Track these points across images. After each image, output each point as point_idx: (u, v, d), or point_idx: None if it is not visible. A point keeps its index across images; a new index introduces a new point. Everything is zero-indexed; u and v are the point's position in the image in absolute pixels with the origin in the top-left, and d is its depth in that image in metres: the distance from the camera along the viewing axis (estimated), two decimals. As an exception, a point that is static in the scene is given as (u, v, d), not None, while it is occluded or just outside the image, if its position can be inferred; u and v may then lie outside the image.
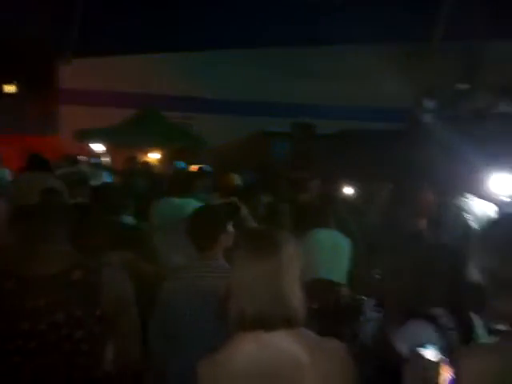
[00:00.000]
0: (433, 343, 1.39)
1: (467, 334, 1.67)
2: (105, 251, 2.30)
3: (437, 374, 1.32)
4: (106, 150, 10.22)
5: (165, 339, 2.13)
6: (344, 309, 2.59)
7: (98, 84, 11.11)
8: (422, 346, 1.36)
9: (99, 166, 7.68)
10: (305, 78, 11.50)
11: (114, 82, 11.18)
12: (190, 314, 2.08)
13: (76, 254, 1.74)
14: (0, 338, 1.65)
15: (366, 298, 2.80)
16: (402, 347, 1.60)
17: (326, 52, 10.42)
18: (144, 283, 2.18)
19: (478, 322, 1.71)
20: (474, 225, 3.76)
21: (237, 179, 4.76)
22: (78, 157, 7.44)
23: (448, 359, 1.34)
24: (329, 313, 2.53)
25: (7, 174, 5.96)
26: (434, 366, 1.33)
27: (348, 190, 5.58)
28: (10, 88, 12.46)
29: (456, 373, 1.17)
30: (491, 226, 1.30)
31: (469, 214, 3.82)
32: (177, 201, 3.74)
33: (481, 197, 3.89)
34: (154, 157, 10.47)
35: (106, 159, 9.39)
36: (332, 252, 3.31)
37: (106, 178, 6.13)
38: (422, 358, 1.34)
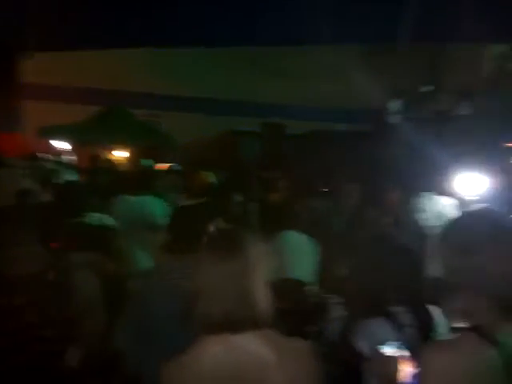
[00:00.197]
0: (392, 341, 1.41)
1: (426, 331, 1.70)
2: (69, 252, 2.25)
3: (397, 370, 1.35)
4: (70, 147, 9.96)
5: (141, 340, 2.09)
6: (311, 308, 2.61)
7: (62, 80, 10.81)
8: (383, 343, 1.38)
9: (63, 164, 7.47)
10: (274, 78, 11.56)
11: (80, 78, 10.91)
12: (171, 315, 2.04)
13: (47, 255, 1.77)
14: None
15: (332, 297, 2.83)
16: (362, 345, 1.62)
17: (296, 52, 10.50)
18: (108, 284, 2.13)
19: (439, 319, 1.76)
20: (432, 223, 3.87)
21: (207, 178, 4.73)
22: (41, 154, 7.20)
23: (408, 356, 1.37)
24: (295, 312, 2.54)
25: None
26: (394, 363, 1.35)
27: (318, 190, 5.63)
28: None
29: (419, 369, 1.19)
30: (451, 224, 1.32)
31: (429, 212, 3.93)
32: (133, 199, 3.70)
33: (445, 196, 4.00)
34: (120, 155, 10.27)
35: (70, 157, 9.14)
36: (298, 252, 3.32)
37: (70, 176, 5.97)
38: (382, 355, 1.36)
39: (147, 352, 1.99)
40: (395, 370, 1.33)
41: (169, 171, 5.81)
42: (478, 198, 3.46)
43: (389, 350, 1.36)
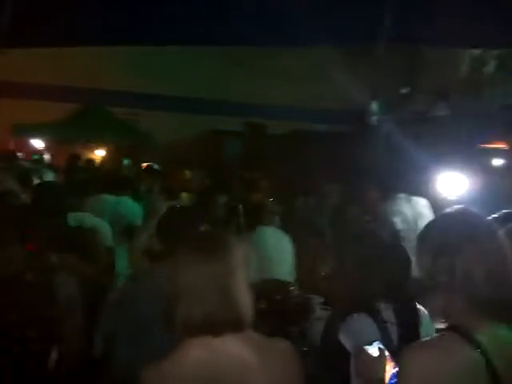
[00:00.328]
0: (377, 340, 1.42)
1: (411, 329, 1.72)
2: (47, 253, 2.21)
3: (382, 370, 1.36)
4: (46, 146, 9.76)
5: (129, 342, 2.06)
6: (293, 308, 2.62)
7: (37, 77, 10.58)
8: (367, 343, 1.39)
9: (41, 163, 7.32)
10: (256, 78, 11.56)
11: (57, 75, 10.69)
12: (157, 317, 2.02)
13: (27, 256, 1.77)
14: None
15: (314, 297, 2.85)
16: (346, 342, 1.63)
17: (276, 53, 10.53)
18: (86, 286, 2.10)
19: (424, 317, 1.78)
20: (411, 224, 3.91)
21: (187, 177, 4.70)
22: (17, 153, 7.04)
23: (388, 355, 1.38)
24: (277, 312, 2.54)
25: None
26: (379, 363, 1.36)
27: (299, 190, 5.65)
28: None
29: (400, 371, 1.20)
30: (429, 225, 1.33)
31: (407, 213, 3.97)
32: (109, 199, 3.66)
33: (424, 196, 4.05)
34: (99, 154, 10.12)
35: (46, 156, 8.97)
36: (277, 251, 3.32)
37: (48, 175, 5.85)
38: (367, 355, 1.37)
39: (135, 354, 1.97)
40: (380, 370, 1.34)
41: (148, 171, 5.73)
42: (455, 198, 3.52)
43: (374, 350, 1.37)
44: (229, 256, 1.33)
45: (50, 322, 1.70)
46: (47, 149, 9.66)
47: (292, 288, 2.79)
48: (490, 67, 9.00)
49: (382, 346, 1.38)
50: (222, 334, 1.28)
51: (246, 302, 1.32)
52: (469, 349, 1.13)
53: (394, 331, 1.67)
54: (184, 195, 4.32)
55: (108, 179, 3.96)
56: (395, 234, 3.65)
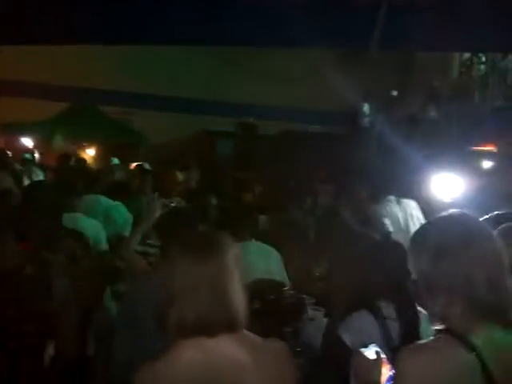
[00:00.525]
0: (375, 341, 1.42)
1: (411, 327, 1.73)
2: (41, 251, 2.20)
3: (378, 373, 1.36)
4: (35, 145, 9.66)
5: (128, 341, 2.05)
6: (286, 308, 2.62)
7: (30, 75, 10.47)
8: (364, 345, 1.39)
9: (32, 163, 7.24)
10: (248, 78, 11.56)
11: (49, 74, 10.59)
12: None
13: (25, 252, 1.81)
14: None
15: (306, 297, 2.85)
16: (348, 340, 1.64)
17: (270, 54, 10.53)
18: (78, 286, 2.09)
19: (423, 317, 1.78)
20: (395, 227, 3.91)
21: (179, 177, 4.67)
22: (8, 152, 6.95)
23: (388, 357, 1.38)
24: (271, 313, 2.54)
25: None
26: (375, 366, 1.36)
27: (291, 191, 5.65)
28: None
29: (396, 373, 1.20)
30: (425, 228, 1.33)
31: (392, 215, 3.97)
32: (101, 199, 3.66)
33: (416, 198, 4.07)
34: (89, 153, 10.04)
35: (36, 155, 8.87)
36: (266, 251, 3.30)
37: (37, 174, 5.80)
38: (363, 358, 1.37)
39: (132, 355, 1.95)
40: (376, 373, 1.34)
41: (138, 170, 5.69)
42: (448, 200, 3.54)
43: (371, 353, 1.37)
44: (222, 256, 1.32)
45: (47, 317, 1.72)
46: (36, 147, 9.56)
47: (285, 288, 2.79)
48: (481, 70, 9.09)
49: (378, 349, 1.38)
50: (215, 335, 1.28)
51: (239, 302, 1.31)
52: (464, 352, 1.13)
53: (394, 328, 1.68)
54: (176, 195, 4.30)
55: (104, 182, 3.93)
56: (387, 236, 3.66)
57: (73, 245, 2.42)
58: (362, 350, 1.38)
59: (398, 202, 4.04)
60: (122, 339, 2.08)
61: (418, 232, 1.32)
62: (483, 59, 9.16)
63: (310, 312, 2.75)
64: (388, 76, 10.86)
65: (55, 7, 3.72)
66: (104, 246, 3.07)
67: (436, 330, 1.19)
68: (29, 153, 8.60)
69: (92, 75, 10.87)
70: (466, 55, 9.97)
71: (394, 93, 9.98)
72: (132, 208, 3.90)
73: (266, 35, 3.81)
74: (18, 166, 6.26)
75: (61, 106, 10.06)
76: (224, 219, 3.75)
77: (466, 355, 1.13)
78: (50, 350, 1.79)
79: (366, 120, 9.51)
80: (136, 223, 3.30)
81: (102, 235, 3.07)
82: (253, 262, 2.99)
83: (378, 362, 1.36)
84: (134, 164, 7.01)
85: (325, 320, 2.55)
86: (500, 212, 2.09)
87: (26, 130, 9.70)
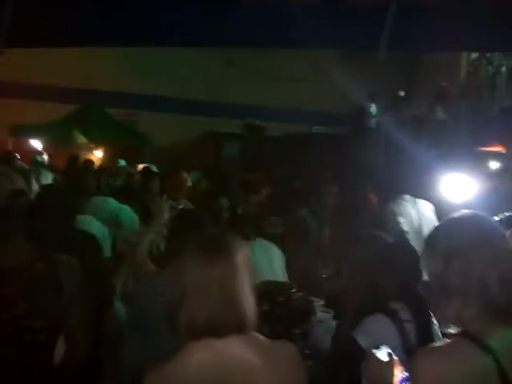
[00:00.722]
0: (387, 342, 1.41)
1: (425, 328, 1.72)
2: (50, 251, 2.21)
3: (390, 375, 1.35)
4: (44, 146, 9.73)
5: (136, 345, 2.06)
6: (295, 310, 2.61)
7: (35, 77, 10.55)
8: (376, 347, 1.38)
9: (41, 164, 7.28)
10: (254, 80, 11.57)
11: (55, 76, 10.67)
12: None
13: (36, 249, 1.82)
14: None
15: (315, 299, 2.84)
16: (363, 342, 1.63)
17: (276, 55, 10.54)
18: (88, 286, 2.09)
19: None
20: (406, 227, 3.89)
21: (186, 179, 4.67)
22: (16, 154, 6.99)
23: (401, 359, 1.37)
24: (280, 314, 2.54)
25: None
26: (387, 368, 1.35)
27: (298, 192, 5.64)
28: None
29: (412, 376, 1.19)
30: (438, 229, 1.32)
31: (402, 216, 3.94)
32: (110, 200, 3.67)
33: (426, 199, 4.04)
34: (96, 155, 10.08)
35: (43, 156, 8.93)
36: (271, 254, 3.29)
37: (47, 176, 5.83)
38: (375, 359, 1.36)
39: (145, 352, 1.96)
40: (389, 375, 1.33)
41: (145, 172, 5.70)
42: (459, 201, 3.52)
43: (383, 354, 1.36)
44: (232, 258, 1.32)
45: (56, 313, 1.75)
46: (45, 149, 9.62)
47: (294, 290, 2.79)
48: (488, 70, 9.03)
49: (390, 351, 1.37)
50: (225, 336, 1.27)
51: (249, 303, 1.31)
52: (481, 354, 1.13)
53: (411, 330, 1.67)
54: (183, 197, 4.30)
55: (115, 186, 3.93)
56: (401, 236, 3.64)
57: (85, 246, 2.43)
58: (374, 351, 1.37)
59: (414, 203, 4.01)
60: (131, 340, 2.09)
61: (430, 234, 1.31)
62: (490, 60, 9.10)
63: (319, 314, 2.75)
64: (395, 76, 10.83)
65: (62, 11, 3.74)
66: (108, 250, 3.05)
67: (450, 333, 1.18)
68: (40, 155, 8.67)
69: (97, 77, 10.94)
70: (474, 55, 9.90)
71: (401, 93, 9.95)
72: (139, 211, 3.91)
73: (271, 36, 3.80)
74: (26, 167, 6.29)
75: (68, 108, 10.12)
76: (230, 218, 3.77)
77: (482, 357, 1.12)
78: (60, 348, 1.81)
79: (373, 120, 9.48)
80: (143, 226, 3.31)
81: (107, 240, 3.06)
82: (257, 260, 2.99)
83: (390, 364, 1.35)
84: (141, 166, 7.03)
85: (333, 322, 2.54)
86: (510, 213, 2.08)
87: (34, 132, 9.77)
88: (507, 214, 2.06)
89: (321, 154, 8.72)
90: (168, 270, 2.08)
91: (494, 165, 6.57)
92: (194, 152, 10.30)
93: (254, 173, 6.79)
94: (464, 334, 1.17)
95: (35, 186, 4.95)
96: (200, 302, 1.27)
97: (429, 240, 1.29)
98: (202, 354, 1.28)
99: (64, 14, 3.75)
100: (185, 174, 4.67)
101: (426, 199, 4.04)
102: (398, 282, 1.76)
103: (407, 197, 4.00)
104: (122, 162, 8.18)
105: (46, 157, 8.94)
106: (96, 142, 10.05)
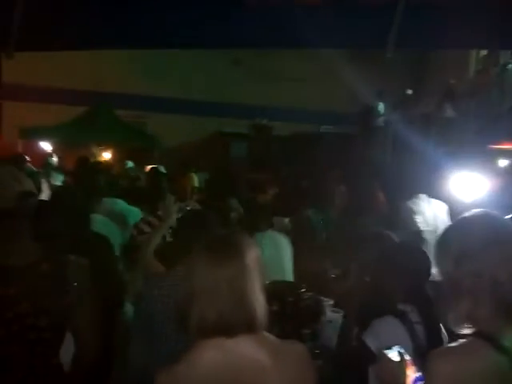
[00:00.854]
0: (398, 344, 1.41)
1: (434, 329, 1.71)
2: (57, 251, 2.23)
3: (402, 375, 1.34)
4: (54, 148, 9.81)
5: (147, 343, 2.07)
6: (304, 310, 2.61)
7: (44, 80, 10.64)
8: (388, 347, 1.38)
9: (50, 166, 7.33)
10: (262, 80, 11.57)
11: (64, 79, 10.76)
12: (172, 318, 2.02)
13: (43, 249, 1.84)
14: None
15: (324, 299, 2.84)
16: (372, 344, 1.62)
17: (283, 55, 10.52)
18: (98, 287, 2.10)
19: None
20: (423, 226, 3.88)
21: (194, 180, 4.68)
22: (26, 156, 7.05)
23: (413, 359, 1.36)
24: (289, 314, 2.54)
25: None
26: (399, 368, 1.34)
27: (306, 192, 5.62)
28: None
29: (427, 376, 1.19)
30: (450, 229, 1.31)
31: (419, 215, 3.93)
32: (119, 202, 3.69)
33: (438, 198, 4.02)
34: (104, 156, 10.15)
35: (53, 158, 9.00)
36: (273, 259, 3.29)
37: (57, 178, 5.88)
38: (387, 359, 1.36)
39: (151, 354, 1.97)
40: (401, 375, 1.33)
41: (153, 173, 5.72)
42: (471, 200, 3.49)
43: (394, 355, 1.35)
44: (242, 257, 1.32)
45: (60, 312, 1.75)
46: (55, 151, 9.70)
47: (303, 290, 2.79)
48: (497, 68, 8.94)
49: (402, 350, 1.36)
50: (235, 336, 1.28)
51: (259, 303, 1.31)
52: (495, 354, 1.12)
53: (421, 332, 1.66)
54: (191, 198, 4.31)
55: (126, 189, 3.94)
56: (417, 234, 3.63)
57: (97, 247, 2.45)
58: (386, 351, 1.37)
59: (429, 202, 4.00)
60: (136, 341, 2.10)
61: (442, 234, 1.30)
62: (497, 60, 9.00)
63: (329, 314, 2.74)
64: (403, 74, 10.76)
65: (70, 14, 3.78)
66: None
67: (463, 333, 1.17)
68: (51, 157, 8.74)
69: (106, 79, 11.01)
70: (483, 52, 9.81)
71: (409, 91, 9.88)
72: (147, 212, 3.92)
73: (277, 37, 3.81)
74: (35, 170, 6.34)
75: (77, 111, 10.19)
76: (244, 212, 3.75)
77: (496, 357, 1.12)
78: (70, 348, 1.82)
79: (381, 119, 9.43)
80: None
81: (117, 241, 3.07)
82: (265, 253, 3.00)
83: (402, 364, 1.34)
84: (149, 167, 7.06)
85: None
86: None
87: (43, 134, 9.85)
88: (518, 212, 2.04)
89: (329, 153, 8.69)
90: (176, 270, 2.09)
91: (504, 162, 6.51)
92: (201, 153, 10.32)
93: (261, 173, 6.79)
94: (478, 334, 1.16)
95: (46, 188, 5.00)
96: (210, 302, 1.28)
97: (440, 240, 1.29)
98: (212, 353, 1.28)
99: (71, 17, 3.80)
100: (193, 175, 4.68)
101: (436, 198, 4.02)
102: (406, 283, 1.75)
103: (423, 196, 3.99)
104: (130, 164, 8.23)
105: (55, 159, 9.01)
106: (105, 144, 10.11)
